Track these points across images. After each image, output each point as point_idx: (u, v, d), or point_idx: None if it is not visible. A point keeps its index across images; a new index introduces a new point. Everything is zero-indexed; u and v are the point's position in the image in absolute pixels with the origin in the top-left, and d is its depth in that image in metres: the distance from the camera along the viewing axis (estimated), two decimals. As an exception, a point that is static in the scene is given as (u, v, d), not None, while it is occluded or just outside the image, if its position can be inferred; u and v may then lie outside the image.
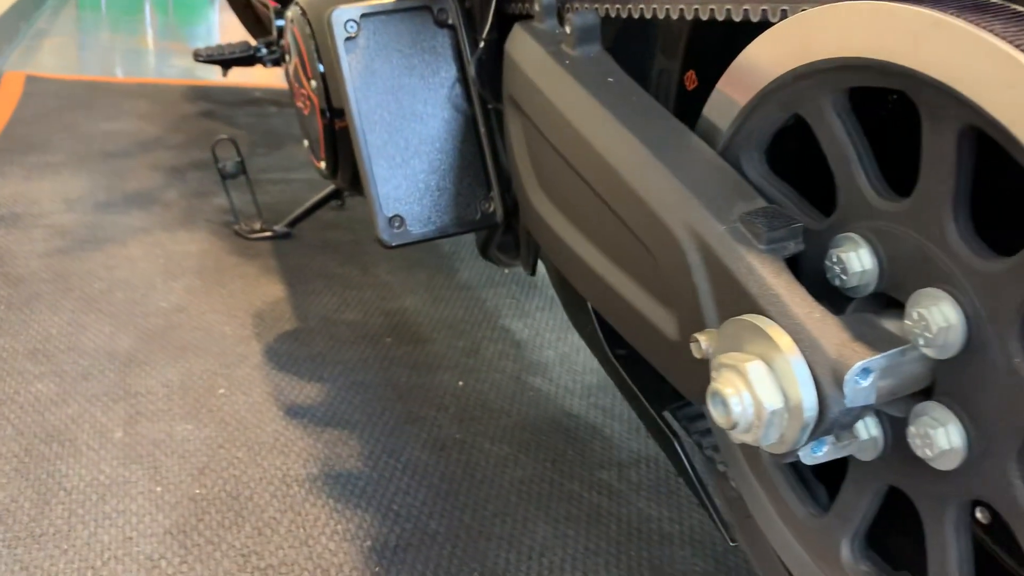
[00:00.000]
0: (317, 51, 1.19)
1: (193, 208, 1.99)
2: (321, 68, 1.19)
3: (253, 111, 2.83)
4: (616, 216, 0.74)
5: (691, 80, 0.88)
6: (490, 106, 1.07)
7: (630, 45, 0.89)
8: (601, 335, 0.91)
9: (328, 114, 1.19)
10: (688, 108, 0.81)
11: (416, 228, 1.06)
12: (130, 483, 1.10)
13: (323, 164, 1.25)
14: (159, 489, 1.09)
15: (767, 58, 0.62)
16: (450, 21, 1.06)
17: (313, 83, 1.19)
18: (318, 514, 1.08)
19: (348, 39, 1.03)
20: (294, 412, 1.27)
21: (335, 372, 1.39)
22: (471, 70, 1.06)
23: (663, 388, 0.89)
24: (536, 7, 0.92)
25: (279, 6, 1.82)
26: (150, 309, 1.52)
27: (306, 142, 1.34)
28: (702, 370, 0.65)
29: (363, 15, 1.04)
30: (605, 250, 0.78)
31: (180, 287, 1.61)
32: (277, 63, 1.86)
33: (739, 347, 0.58)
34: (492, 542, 1.06)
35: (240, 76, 2.90)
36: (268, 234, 1.86)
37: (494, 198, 1.08)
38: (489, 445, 1.25)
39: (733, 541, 0.79)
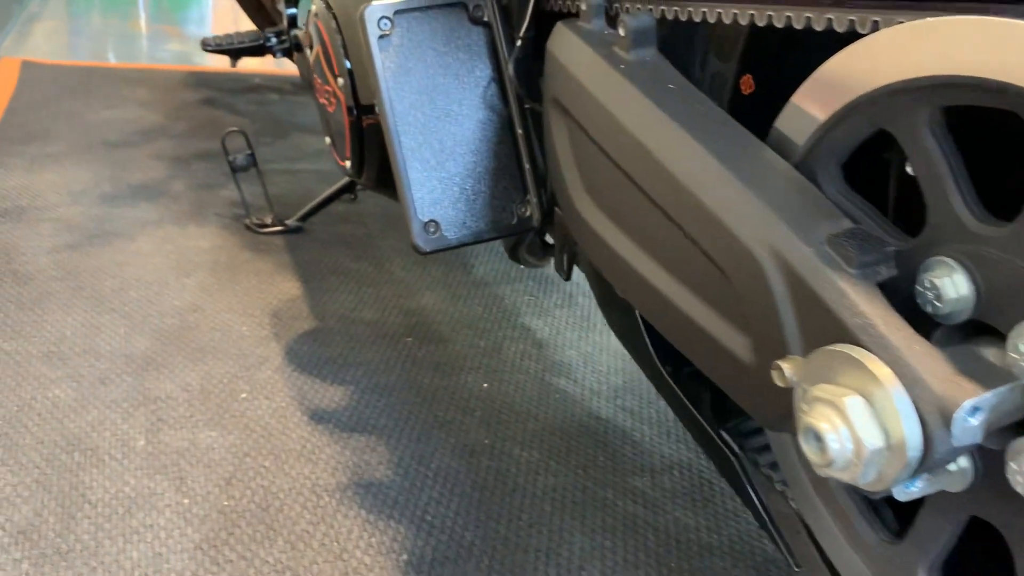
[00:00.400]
0: (344, 47, 1.15)
1: (201, 200, 1.95)
2: (348, 64, 1.15)
3: (254, 98, 2.78)
4: (681, 230, 0.71)
5: (747, 84, 0.85)
6: (527, 106, 1.04)
7: (680, 46, 0.86)
8: (652, 349, 0.88)
9: (355, 112, 1.16)
10: (744, 113, 0.78)
11: (451, 233, 1.03)
12: (156, 495, 1.07)
13: (348, 163, 1.22)
14: (186, 501, 1.06)
15: (857, 72, 0.59)
16: (485, 18, 1.03)
17: (340, 80, 1.15)
18: (351, 526, 1.05)
19: (382, 37, 1.00)
20: (319, 417, 1.24)
21: (357, 374, 1.36)
22: (508, 69, 1.03)
23: (711, 401, 0.87)
24: (583, 6, 0.89)
25: (290, -6, 1.78)
26: (165, 308, 1.49)
27: (328, 139, 1.31)
28: (778, 396, 0.63)
29: (397, 12, 1.00)
30: (665, 264, 0.75)
31: (194, 284, 1.58)
32: (287, 53, 1.82)
33: (831, 379, 0.56)
34: (529, 555, 1.04)
35: (239, 62, 2.85)
36: (280, 229, 1.82)
37: (530, 201, 1.05)
38: (519, 451, 1.22)
39: (798, 566, 0.76)
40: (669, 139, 0.72)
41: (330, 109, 1.23)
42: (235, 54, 1.88)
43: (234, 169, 1.80)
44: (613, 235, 0.84)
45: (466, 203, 1.03)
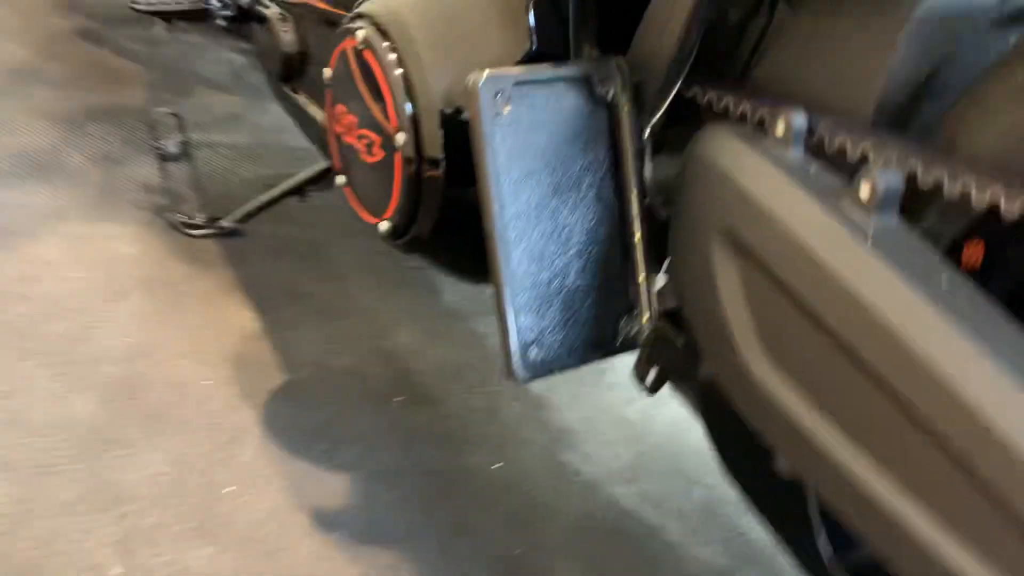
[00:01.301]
0: (408, 88, 0.93)
1: (110, 182, 1.63)
2: (410, 110, 0.93)
3: (140, 34, 2.39)
4: (965, 470, 0.59)
5: (974, 252, 0.73)
6: (647, 201, 0.87)
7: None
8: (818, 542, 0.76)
9: (415, 166, 0.94)
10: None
11: (552, 356, 0.85)
12: (155, 655, 0.85)
13: (386, 223, 1.00)
14: (196, 664, 0.85)
15: None
16: (611, 97, 0.84)
17: (401, 136, 0.93)
18: None
19: (496, 114, 0.79)
20: (326, 522, 1.04)
21: (353, 454, 1.16)
22: (633, 163, 0.85)
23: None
24: (778, 128, 0.73)
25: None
26: (101, 351, 1.21)
27: (344, 181, 1.07)
28: None
29: (516, 84, 0.80)
30: (914, 485, 0.63)
31: (129, 313, 1.30)
32: (234, 21, 1.52)
33: None
34: None
35: None
36: (214, 231, 1.55)
37: (639, 317, 0.89)
38: (558, 563, 1.08)
39: None
40: (962, 358, 0.59)
41: (368, 159, 1.00)
42: (169, 16, 1.56)
43: (164, 159, 1.51)
44: (805, 411, 0.70)
45: (570, 318, 0.86)
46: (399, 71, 0.94)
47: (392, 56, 0.94)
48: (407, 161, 0.95)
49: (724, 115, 0.81)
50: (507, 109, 0.80)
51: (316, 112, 1.36)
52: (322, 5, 1.29)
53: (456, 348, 1.43)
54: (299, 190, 1.59)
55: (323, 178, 1.57)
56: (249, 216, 1.59)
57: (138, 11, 1.56)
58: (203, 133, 1.92)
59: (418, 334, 1.44)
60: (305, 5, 1.35)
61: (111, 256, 1.42)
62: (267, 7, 1.42)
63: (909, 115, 0.77)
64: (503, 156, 0.80)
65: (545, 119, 0.82)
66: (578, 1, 0.92)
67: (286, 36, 1.36)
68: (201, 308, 1.35)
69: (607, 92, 0.84)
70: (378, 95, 0.96)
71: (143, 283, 1.37)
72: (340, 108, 1.05)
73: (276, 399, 1.22)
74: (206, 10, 1.53)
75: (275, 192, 1.59)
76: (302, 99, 1.41)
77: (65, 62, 2.09)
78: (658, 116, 0.85)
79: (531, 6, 0.91)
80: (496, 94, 0.79)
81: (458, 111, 0.92)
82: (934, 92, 0.76)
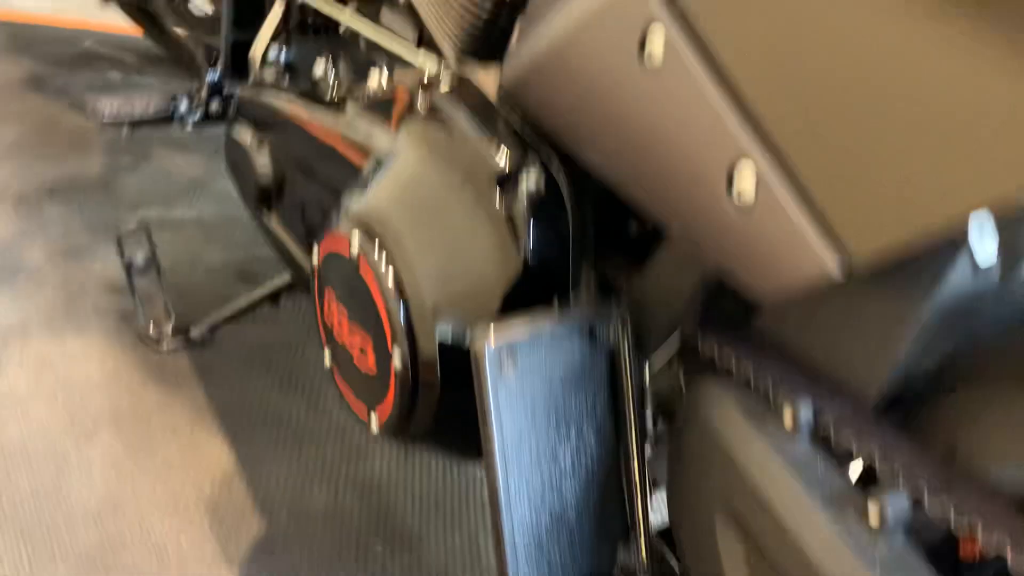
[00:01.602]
0: (405, 305, 0.91)
1: (71, 282, 1.59)
2: (406, 328, 0.91)
3: (93, 79, 2.31)
4: None
5: (970, 547, 0.75)
6: (650, 426, 0.88)
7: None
8: None
9: (412, 378, 0.92)
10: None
11: (551, 597, 0.86)
12: None
13: (376, 422, 0.99)
14: None
15: None
16: (612, 344, 0.84)
17: (397, 350, 0.91)
18: None
19: (502, 375, 0.79)
20: None
21: (335, 619, 1.16)
22: (633, 407, 0.85)
23: None
24: (786, 418, 0.73)
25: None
26: (73, 509, 1.18)
27: (333, 367, 1.05)
28: None
29: (519, 344, 0.79)
30: None
31: (100, 458, 1.27)
32: (207, 119, 1.47)
33: None
34: None
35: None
36: (183, 341, 1.52)
37: (635, 543, 0.90)
38: None
39: None
40: None
41: (361, 362, 0.98)
42: (138, 125, 1.50)
43: (131, 271, 1.47)
44: None
45: (568, 553, 0.86)
46: (394, 285, 0.92)
47: (389, 270, 0.92)
48: (403, 374, 0.93)
49: (724, 366, 0.81)
50: (512, 372, 0.79)
51: (290, 241, 1.33)
52: (311, 127, 1.23)
53: (428, 473, 1.43)
54: (272, 297, 1.56)
55: (295, 286, 1.54)
56: (219, 326, 1.56)
57: (104, 122, 1.50)
58: (164, 208, 1.87)
59: (393, 456, 1.43)
60: (286, 122, 1.30)
61: (78, 383, 1.38)
62: (239, 122, 1.37)
63: (913, 398, 0.78)
64: (507, 414, 0.80)
65: (548, 372, 0.82)
66: (577, 228, 0.91)
67: (262, 163, 1.32)
68: (174, 446, 1.33)
69: (608, 339, 0.84)
70: (371, 304, 0.94)
71: (112, 416, 1.34)
72: (329, 296, 1.02)
73: (254, 555, 1.20)
74: (175, 115, 1.48)
75: (246, 301, 1.55)
76: (276, 224, 1.37)
77: (16, 122, 2.01)
78: (658, 361, 0.85)
79: (530, 223, 0.90)
80: (501, 355, 0.78)
81: (454, 329, 0.91)
82: (939, 380, 0.77)
